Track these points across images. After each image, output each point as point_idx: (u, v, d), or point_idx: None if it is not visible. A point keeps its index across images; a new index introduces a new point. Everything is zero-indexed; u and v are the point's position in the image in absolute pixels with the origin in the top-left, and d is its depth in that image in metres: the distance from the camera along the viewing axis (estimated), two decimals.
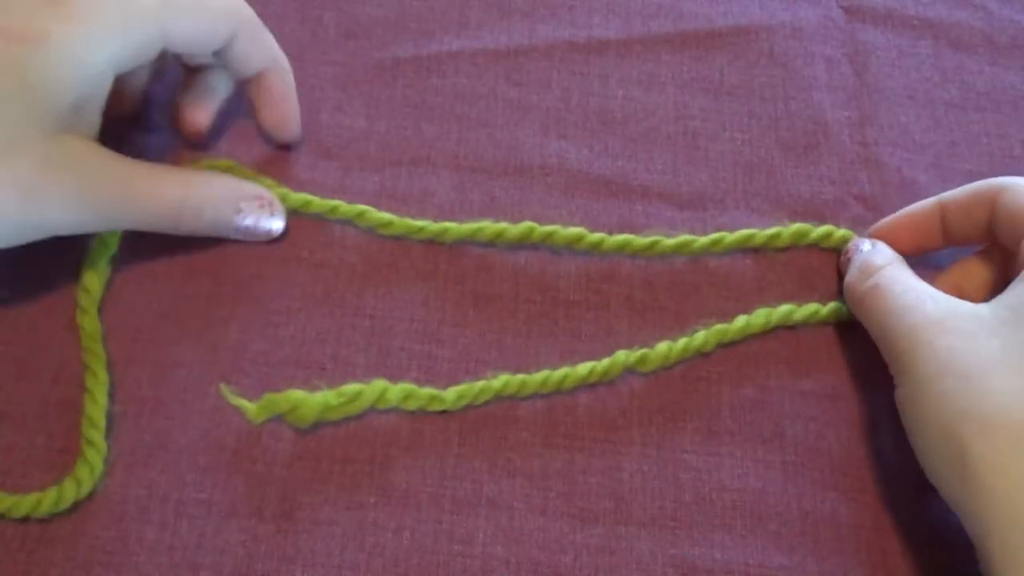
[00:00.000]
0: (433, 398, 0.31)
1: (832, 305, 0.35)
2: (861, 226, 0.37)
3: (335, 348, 0.33)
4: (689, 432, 0.33)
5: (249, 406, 0.30)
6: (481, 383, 0.32)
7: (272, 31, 0.35)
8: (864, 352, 0.34)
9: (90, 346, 0.32)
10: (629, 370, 0.33)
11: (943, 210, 0.34)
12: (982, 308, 0.29)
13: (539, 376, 0.32)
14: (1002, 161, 0.39)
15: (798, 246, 0.36)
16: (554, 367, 0.33)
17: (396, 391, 0.31)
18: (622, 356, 0.33)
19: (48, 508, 0.29)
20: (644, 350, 0.33)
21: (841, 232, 0.36)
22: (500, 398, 0.32)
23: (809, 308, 0.34)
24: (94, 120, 0.31)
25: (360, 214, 0.35)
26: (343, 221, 0.35)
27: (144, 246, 0.34)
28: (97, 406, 0.31)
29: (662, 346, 0.33)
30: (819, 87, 0.40)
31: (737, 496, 0.32)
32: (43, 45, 0.28)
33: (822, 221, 0.37)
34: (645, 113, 0.39)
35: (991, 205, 0.32)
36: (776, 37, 0.42)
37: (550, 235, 0.35)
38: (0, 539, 0.29)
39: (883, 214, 0.37)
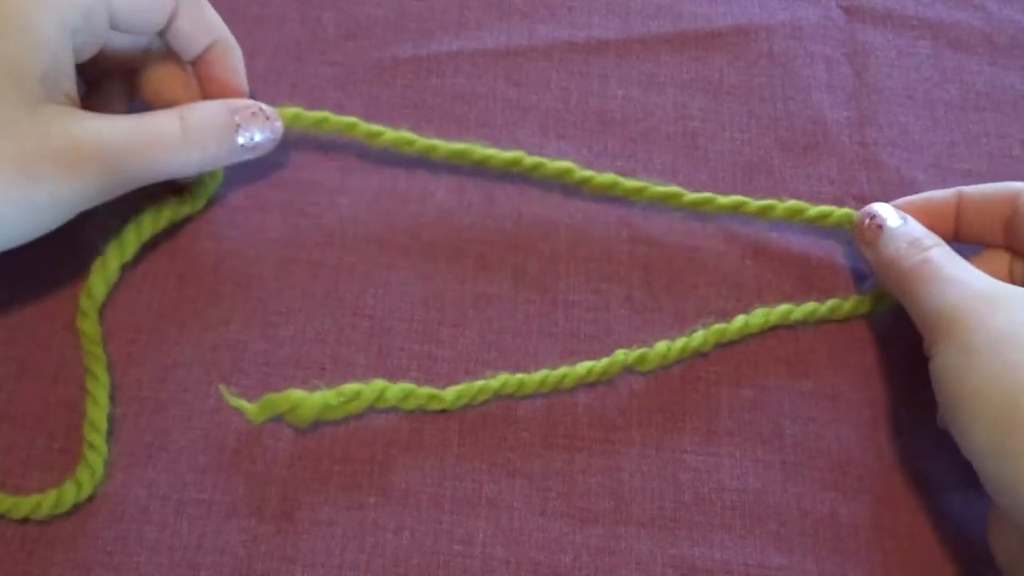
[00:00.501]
0: (432, 397, 0.31)
1: (831, 303, 0.35)
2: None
3: (335, 348, 0.33)
4: (689, 432, 0.33)
5: (248, 406, 0.30)
6: (480, 382, 0.32)
7: (272, 31, 0.35)
8: (864, 352, 0.34)
9: (91, 349, 0.32)
10: (628, 369, 0.33)
11: (961, 202, 0.34)
12: None
13: (538, 375, 0.32)
14: (1001, 161, 0.39)
15: (791, 222, 0.36)
16: (553, 367, 0.33)
17: (395, 391, 0.31)
18: (621, 355, 0.33)
19: (48, 510, 0.29)
20: (643, 349, 0.33)
21: (843, 211, 0.35)
22: (499, 397, 0.32)
23: (807, 307, 0.34)
24: (70, 88, 0.30)
25: (351, 126, 0.35)
26: (334, 135, 0.36)
27: (144, 247, 0.34)
28: (98, 408, 0.31)
29: (661, 345, 0.33)
30: (818, 87, 0.40)
31: (737, 496, 0.32)
32: None
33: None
34: (644, 113, 0.39)
35: (1012, 206, 0.32)
36: (776, 37, 0.42)
37: (538, 166, 0.35)
38: (0, 539, 0.29)
39: None
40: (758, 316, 0.34)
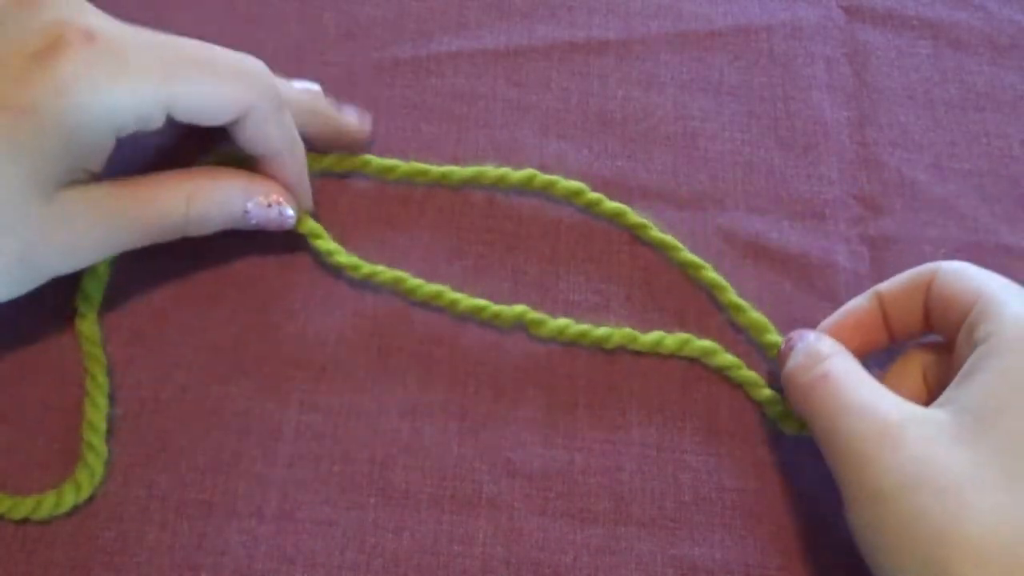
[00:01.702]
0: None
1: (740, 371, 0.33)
2: (860, 226, 0.37)
3: (335, 349, 0.33)
4: (689, 432, 0.33)
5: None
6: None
7: (272, 31, 0.35)
8: (863, 352, 0.34)
9: (90, 350, 0.32)
10: (519, 324, 0.33)
11: (882, 302, 0.31)
12: (938, 413, 0.27)
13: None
14: (1001, 161, 0.39)
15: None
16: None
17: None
18: (520, 310, 0.33)
19: (47, 511, 0.29)
20: (545, 316, 0.33)
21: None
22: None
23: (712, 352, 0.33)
24: (96, 168, 0.29)
25: (364, 163, 0.36)
26: (348, 174, 0.36)
27: (143, 247, 0.34)
28: (97, 410, 0.31)
29: (563, 321, 0.33)
30: (819, 87, 0.40)
31: (737, 496, 0.32)
32: (31, 116, 0.26)
33: (822, 220, 0.37)
34: (645, 113, 0.39)
35: (925, 292, 0.30)
36: (776, 37, 0.42)
37: (550, 184, 0.36)
38: (0, 539, 0.29)
39: (883, 214, 0.37)
40: (676, 340, 0.33)
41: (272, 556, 0.30)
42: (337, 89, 0.38)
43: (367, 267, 0.34)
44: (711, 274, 0.35)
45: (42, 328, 0.33)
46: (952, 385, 0.28)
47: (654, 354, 0.34)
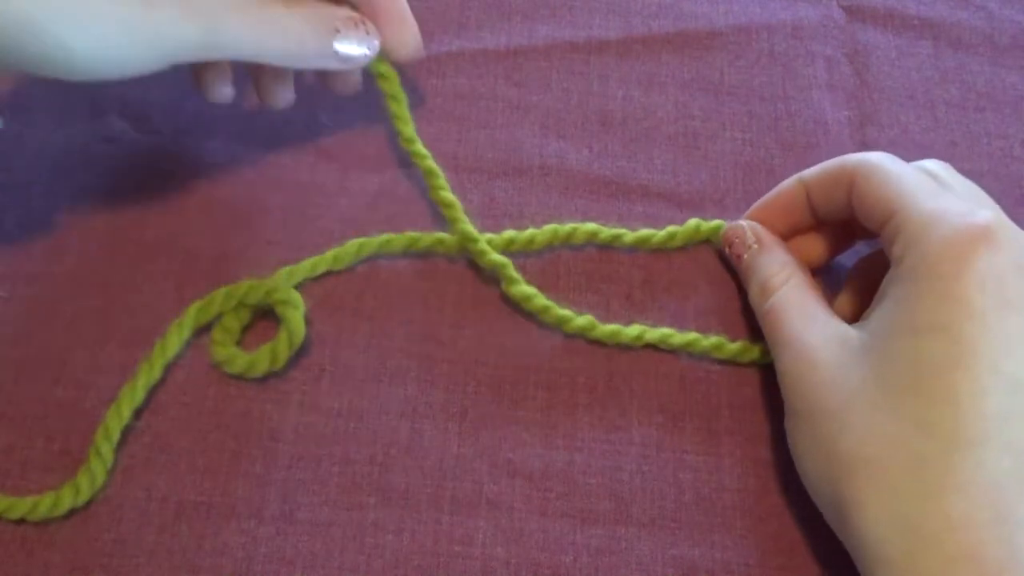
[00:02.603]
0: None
1: (728, 345, 0.34)
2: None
3: (334, 350, 0.33)
4: (689, 432, 0.33)
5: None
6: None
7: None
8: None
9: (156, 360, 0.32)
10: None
11: (806, 189, 0.33)
12: (852, 333, 0.29)
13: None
14: (1002, 161, 0.39)
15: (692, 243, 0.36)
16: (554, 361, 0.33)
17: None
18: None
19: (44, 512, 0.29)
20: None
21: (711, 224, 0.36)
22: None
23: (693, 338, 0.34)
24: None
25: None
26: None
27: (144, 247, 0.34)
28: (119, 419, 0.30)
29: (541, 299, 0.33)
30: (819, 87, 0.40)
31: (737, 496, 0.32)
32: None
33: None
34: (645, 113, 0.39)
35: (848, 187, 0.31)
36: (776, 37, 0.42)
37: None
38: (0, 540, 0.29)
39: None
40: (652, 333, 0.34)
41: (272, 557, 0.30)
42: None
43: (424, 152, 0.35)
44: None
45: (42, 325, 0.33)
46: (872, 303, 0.30)
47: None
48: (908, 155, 0.39)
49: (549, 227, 0.35)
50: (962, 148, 0.39)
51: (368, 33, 0.33)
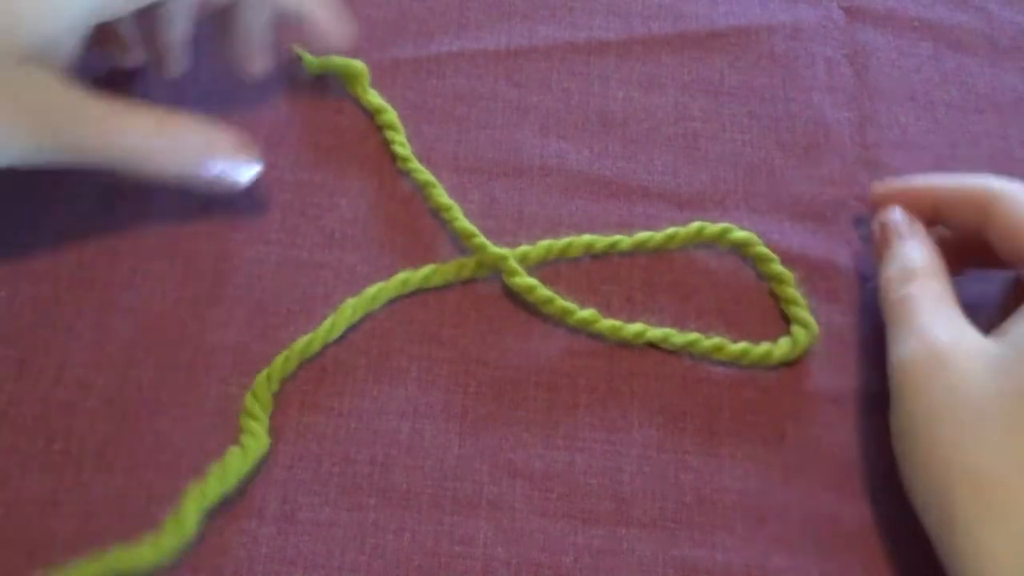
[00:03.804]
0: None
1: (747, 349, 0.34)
2: (862, 227, 0.37)
3: (335, 350, 0.33)
4: (690, 433, 0.33)
5: (308, 57, 0.37)
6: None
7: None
8: (864, 352, 0.34)
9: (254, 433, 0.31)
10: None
11: (935, 196, 0.33)
12: (989, 344, 0.28)
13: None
14: (1002, 162, 0.39)
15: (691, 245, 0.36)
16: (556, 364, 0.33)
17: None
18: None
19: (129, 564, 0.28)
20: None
21: (742, 233, 0.35)
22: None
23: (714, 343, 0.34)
24: (68, 55, 0.29)
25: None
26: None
27: (144, 246, 0.34)
28: (224, 483, 0.30)
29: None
30: (819, 88, 0.40)
31: (738, 497, 0.32)
32: None
33: (823, 222, 0.37)
34: (645, 114, 0.39)
35: (984, 212, 0.31)
36: (776, 38, 0.42)
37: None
38: (2, 540, 0.29)
39: None
40: (654, 331, 0.33)
41: (272, 557, 0.30)
42: (338, 90, 0.38)
43: (419, 166, 0.36)
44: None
45: (42, 324, 0.33)
46: (1014, 316, 0.28)
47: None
48: (908, 156, 0.39)
49: (543, 243, 0.35)
50: (962, 149, 0.39)
51: (246, 162, 0.33)
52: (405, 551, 0.30)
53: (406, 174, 0.36)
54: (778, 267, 0.35)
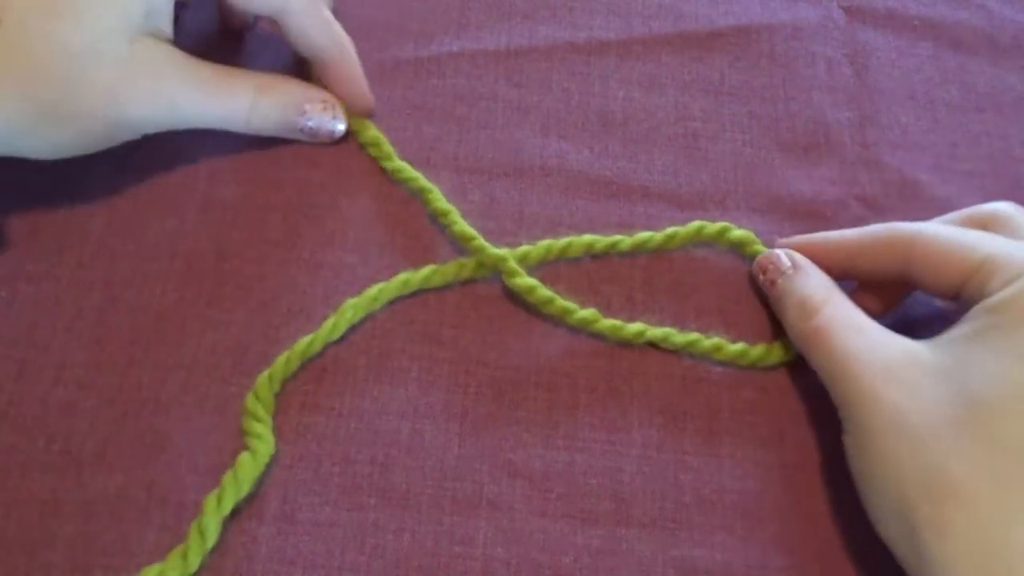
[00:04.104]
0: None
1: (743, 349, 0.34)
2: (861, 226, 0.37)
3: (335, 350, 0.33)
4: (689, 433, 0.33)
5: None
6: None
7: (272, 32, 0.35)
8: None
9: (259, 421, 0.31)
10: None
11: (848, 255, 0.33)
12: (925, 352, 0.29)
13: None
14: (1002, 162, 0.39)
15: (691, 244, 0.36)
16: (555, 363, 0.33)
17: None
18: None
19: None
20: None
21: (740, 232, 0.35)
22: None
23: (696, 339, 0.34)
24: (167, 28, 0.33)
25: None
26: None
27: (144, 246, 0.34)
28: (238, 490, 0.30)
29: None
30: (819, 88, 0.40)
31: (737, 497, 0.32)
32: None
33: (823, 221, 0.37)
34: (645, 114, 0.39)
35: (905, 253, 0.31)
36: (777, 38, 0.42)
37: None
38: (2, 540, 0.29)
39: (884, 214, 0.37)
40: (654, 331, 0.34)
41: (272, 558, 0.30)
42: None
43: (414, 174, 0.36)
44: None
45: (42, 324, 0.33)
46: (951, 327, 0.29)
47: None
48: (909, 156, 0.39)
49: (543, 243, 0.35)
50: (962, 149, 0.39)
51: (334, 116, 0.36)
52: (405, 551, 0.30)
53: (401, 184, 0.36)
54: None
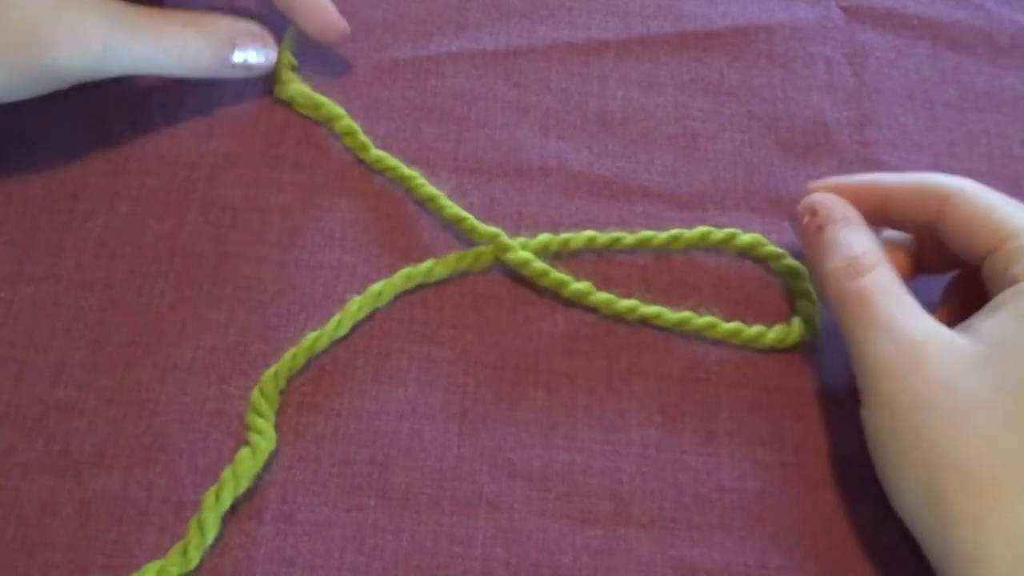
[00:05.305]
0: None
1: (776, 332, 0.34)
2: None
3: (334, 350, 0.33)
4: (689, 433, 0.33)
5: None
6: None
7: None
8: None
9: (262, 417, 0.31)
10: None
11: (887, 199, 0.32)
12: (960, 339, 0.28)
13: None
14: (1001, 161, 0.39)
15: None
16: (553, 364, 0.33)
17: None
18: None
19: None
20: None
21: (748, 237, 0.35)
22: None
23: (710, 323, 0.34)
24: None
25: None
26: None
27: (144, 246, 0.34)
28: (237, 485, 0.30)
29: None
30: (818, 87, 0.40)
31: (736, 497, 0.32)
32: None
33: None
34: (645, 114, 0.39)
35: (938, 208, 0.30)
36: (775, 38, 0.42)
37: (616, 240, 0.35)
38: (2, 540, 0.29)
39: None
40: (647, 308, 0.34)
41: (271, 558, 0.30)
42: (336, 91, 0.38)
43: (394, 163, 0.36)
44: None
45: (42, 324, 0.33)
46: (979, 313, 0.29)
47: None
48: (908, 155, 0.39)
49: (543, 236, 0.35)
50: (961, 148, 0.39)
51: (265, 45, 0.36)
52: (404, 551, 0.30)
53: (383, 174, 0.36)
54: (791, 262, 0.35)
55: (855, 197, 0.32)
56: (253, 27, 0.36)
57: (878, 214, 0.32)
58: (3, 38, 0.30)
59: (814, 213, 0.32)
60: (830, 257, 0.31)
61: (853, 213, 0.32)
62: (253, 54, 0.35)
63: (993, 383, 0.26)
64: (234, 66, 0.35)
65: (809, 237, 0.32)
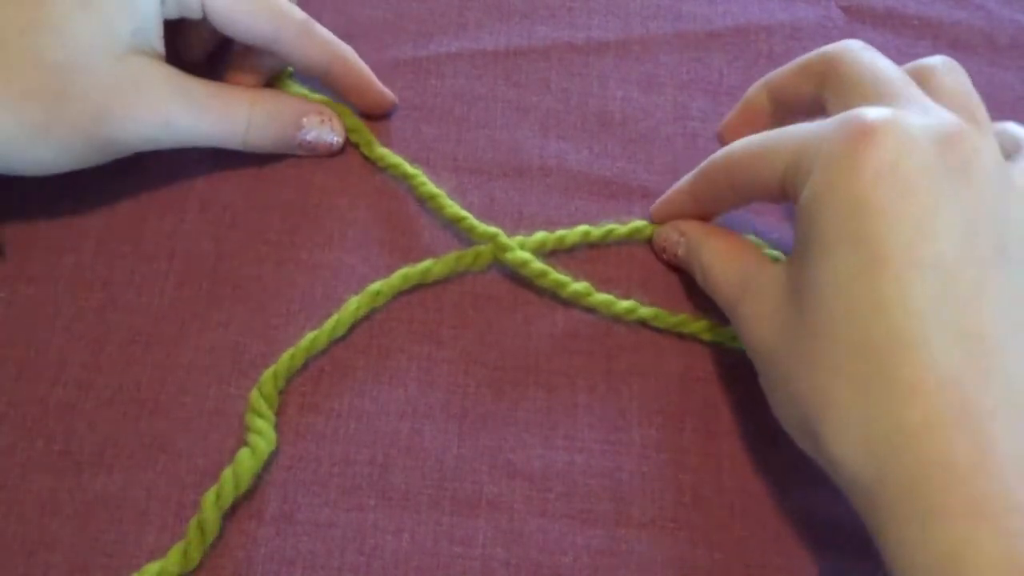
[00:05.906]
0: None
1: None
2: None
3: (334, 351, 0.33)
4: (689, 433, 0.33)
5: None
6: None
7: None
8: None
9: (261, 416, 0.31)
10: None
11: (769, 93, 0.34)
12: (781, 267, 0.29)
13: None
14: None
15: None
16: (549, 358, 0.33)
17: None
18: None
19: None
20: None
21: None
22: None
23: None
24: (158, 45, 0.32)
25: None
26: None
27: (144, 246, 0.34)
28: (237, 485, 0.30)
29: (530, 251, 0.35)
30: None
31: (737, 497, 0.32)
32: None
33: None
34: (644, 114, 0.39)
35: (822, 77, 0.30)
36: (775, 38, 0.42)
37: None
38: (2, 540, 0.29)
39: None
40: (645, 310, 0.34)
41: (271, 558, 0.30)
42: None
43: (396, 160, 0.36)
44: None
45: (42, 324, 0.33)
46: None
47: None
48: None
49: (539, 234, 0.35)
50: None
51: (332, 129, 0.36)
52: (404, 551, 0.30)
53: (386, 172, 0.36)
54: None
55: (742, 117, 0.35)
56: (321, 107, 0.36)
57: (768, 123, 0.34)
58: (79, 108, 0.30)
59: (663, 250, 0.35)
60: (694, 272, 0.34)
61: (684, 224, 0.34)
62: (318, 134, 0.36)
63: (803, 303, 0.27)
64: (299, 145, 0.36)
65: (681, 263, 0.35)
